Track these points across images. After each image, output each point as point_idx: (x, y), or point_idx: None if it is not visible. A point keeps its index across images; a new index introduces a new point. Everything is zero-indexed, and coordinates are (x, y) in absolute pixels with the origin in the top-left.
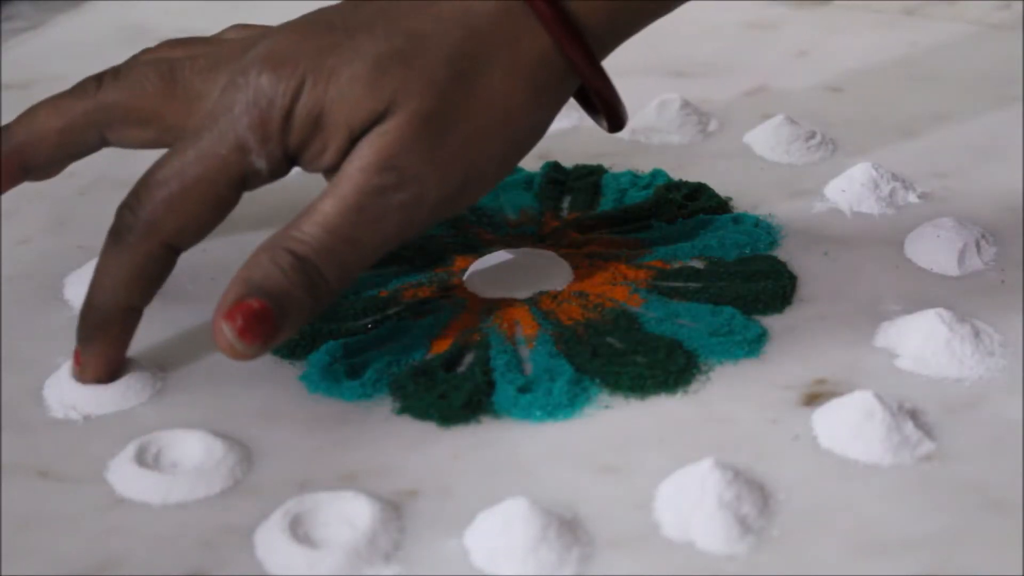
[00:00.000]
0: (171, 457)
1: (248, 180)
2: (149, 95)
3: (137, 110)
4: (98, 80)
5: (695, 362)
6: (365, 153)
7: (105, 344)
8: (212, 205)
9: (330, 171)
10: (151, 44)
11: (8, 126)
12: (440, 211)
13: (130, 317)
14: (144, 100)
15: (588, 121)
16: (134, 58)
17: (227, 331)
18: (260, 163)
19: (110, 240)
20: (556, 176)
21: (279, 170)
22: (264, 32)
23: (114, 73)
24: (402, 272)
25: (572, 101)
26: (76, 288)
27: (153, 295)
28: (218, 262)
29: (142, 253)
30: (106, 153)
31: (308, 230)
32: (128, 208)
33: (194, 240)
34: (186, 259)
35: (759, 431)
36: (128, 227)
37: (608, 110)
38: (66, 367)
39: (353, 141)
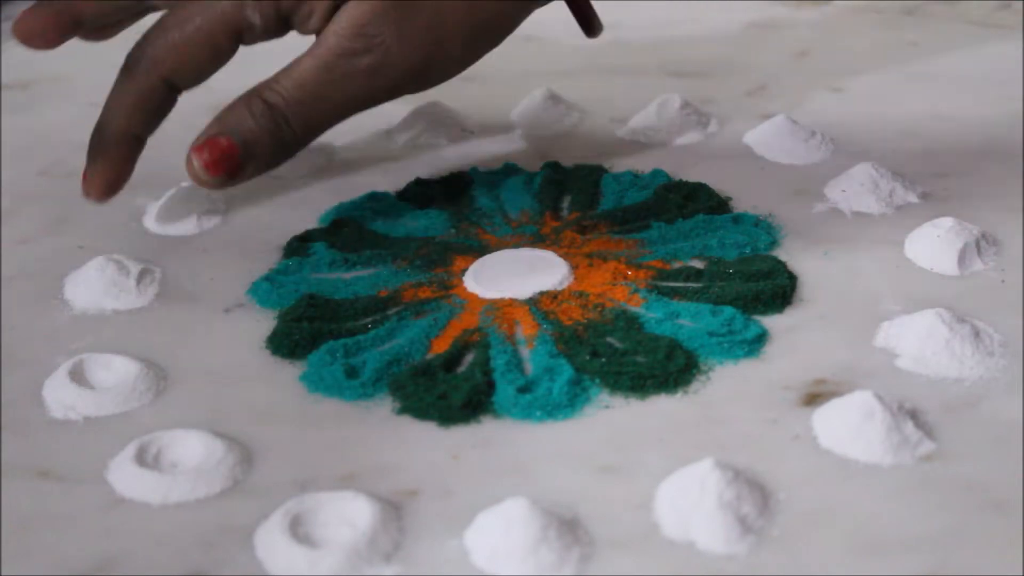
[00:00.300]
0: (171, 457)
1: (244, 34)
2: None
3: None
4: None
5: (695, 362)
6: (342, 19)
7: (107, 163)
8: (210, 51)
9: (317, 34)
10: None
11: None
12: (405, 83)
13: (132, 143)
14: None
15: (588, 121)
16: None
17: (195, 162)
18: (255, 17)
19: (120, 73)
20: (556, 176)
21: (272, 28)
22: None
23: None
24: (402, 272)
25: (573, 101)
26: (75, 288)
27: (154, 127)
28: (218, 262)
29: (145, 85)
30: None
31: (283, 83)
32: (138, 46)
33: (193, 81)
34: (186, 259)
35: (759, 431)
36: (135, 60)
37: (577, 11)
38: (65, 367)
39: (335, 9)
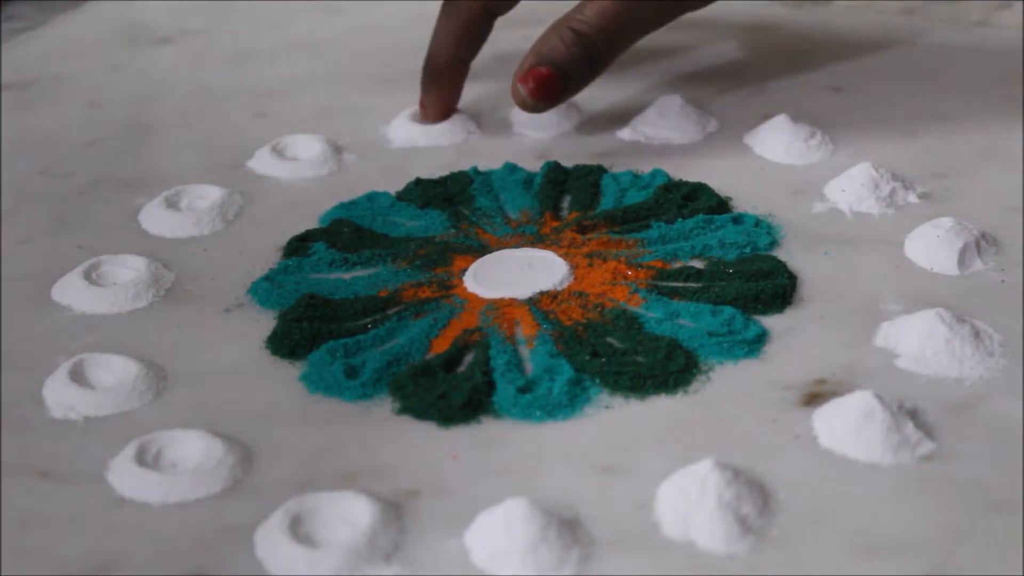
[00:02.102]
0: (171, 457)
1: None
2: None
3: None
4: None
5: (695, 362)
6: None
7: (442, 89)
8: None
9: None
10: (151, 44)
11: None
12: (691, 2)
13: (460, 68)
14: None
15: (588, 121)
16: None
17: (521, 90)
18: None
19: (444, 5)
20: (556, 176)
21: None
22: None
23: None
24: (402, 272)
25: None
26: (64, 291)
27: (477, 51)
28: (218, 262)
29: (467, 14)
30: (106, 153)
31: (586, 12)
32: None
33: (508, 6)
34: (186, 259)
35: (759, 431)
36: None
37: None
38: (65, 367)
39: None
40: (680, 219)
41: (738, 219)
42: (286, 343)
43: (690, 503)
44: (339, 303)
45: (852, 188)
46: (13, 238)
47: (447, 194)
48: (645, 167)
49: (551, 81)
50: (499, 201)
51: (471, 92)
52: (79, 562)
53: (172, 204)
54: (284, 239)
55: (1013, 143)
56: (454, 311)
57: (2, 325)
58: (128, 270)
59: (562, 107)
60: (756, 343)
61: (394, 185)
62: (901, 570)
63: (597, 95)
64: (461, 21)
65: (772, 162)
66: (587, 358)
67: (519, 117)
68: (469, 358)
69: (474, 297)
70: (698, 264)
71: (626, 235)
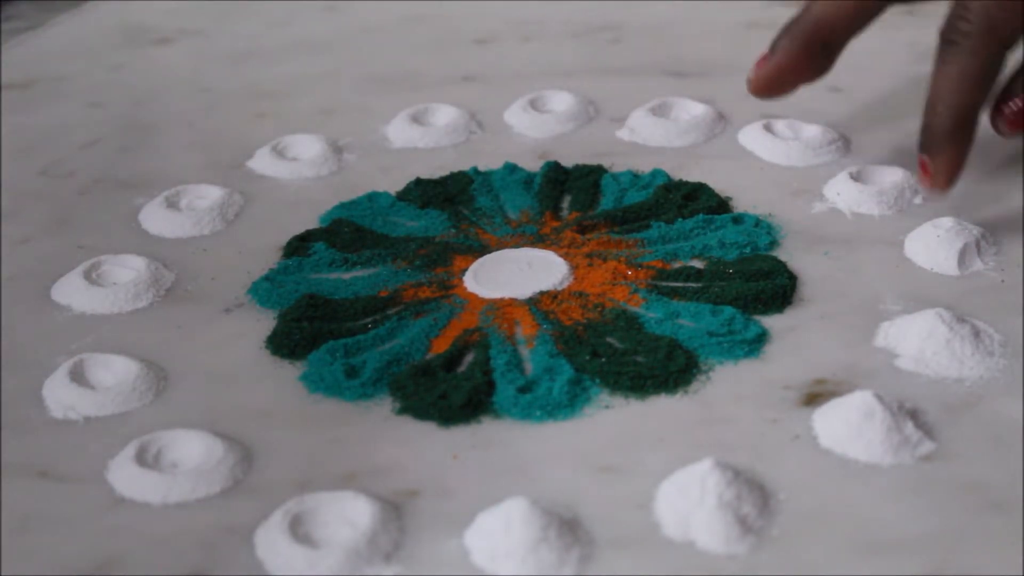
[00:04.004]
0: (171, 457)
1: None
2: None
3: None
4: None
5: (695, 362)
6: None
7: (957, 148)
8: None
9: None
10: (151, 44)
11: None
12: None
13: (976, 117)
14: None
15: (588, 121)
16: None
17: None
18: None
19: (946, 49)
20: (556, 176)
21: None
22: None
23: None
24: (402, 272)
25: (574, 101)
26: (64, 290)
27: (988, 94)
28: (218, 262)
29: (983, 55)
30: (106, 153)
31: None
32: (962, 19)
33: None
34: (186, 259)
35: (759, 431)
36: (966, 34)
37: None
38: (65, 367)
39: None
40: (680, 219)
41: (738, 219)
42: (286, 343)
43: (690, 503)
44: (339, 303)
45: (852, 188)
46: (13, 238)
47: (447, 194)
48: (645, 167)
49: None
50: (499, 201)
51: (471, 92)
52: (79, 562)
53: (172, 204)
54: (284, 239)
55: (1013, 143)
56: (454, 311)
57: (2, 325)
58: (128, 270)
59: (563, 107)
60: (756, 343)
61: (394, 185)
62: (901, 570)
63: (597, 95)
64: (977, 65)
65: (772, 162)
66: (587, 358)
67: (519, 117)
68: (469, 358)
69: (474, 297)
70: (698, 264)
71: (626, 235)
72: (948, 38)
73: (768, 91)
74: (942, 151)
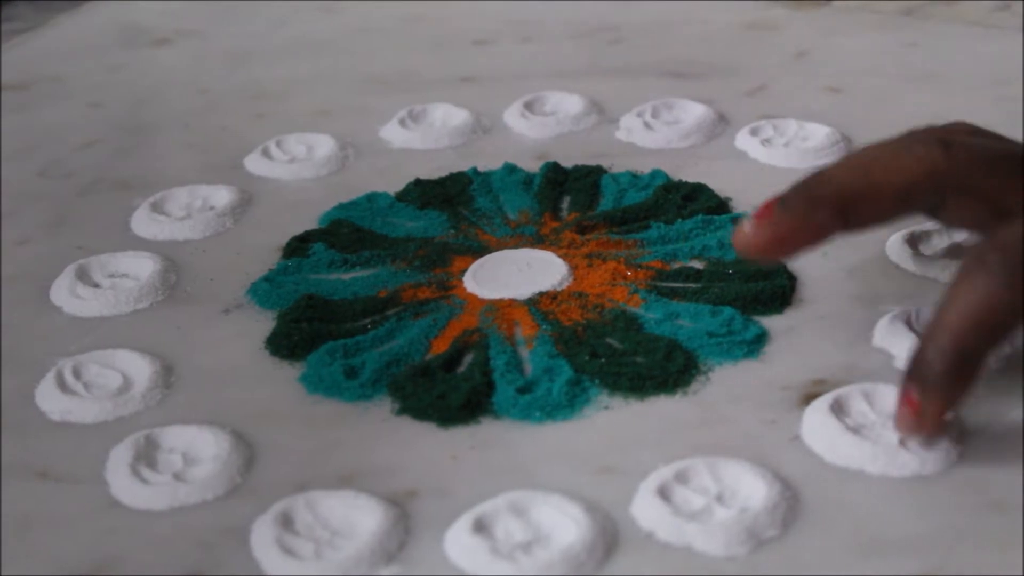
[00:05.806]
0: (171, 457)
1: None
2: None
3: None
4: (944, 146)
5: (695, 362)
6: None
7: (959, 391)
8: None
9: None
10: (150, 45)
11: (829, 169)
12: None
13: (988, 356)
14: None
15: (588, 121)
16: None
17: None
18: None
19: (975, 268)
20: (556, 176)
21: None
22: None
23: (946, 143)
24: (401, 273)
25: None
26: (62, 291)
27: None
28: (218, 262)
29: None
30: (105, 154)
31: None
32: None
33: None
34: (186, 259)
35: (758, 431)
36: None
37: None
38: (65, 367)
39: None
40: (680, 219)
41: (738, 219)
42: (286, 344)
43: (689, 504)
44: (338, 304)
45: None
46: (12, 238)
47: (446, 195)
48: (645, 167)
49: None
50: (498, 202)
51: (470, 93)
52: (78, 562)
53: (171, 204)
54: (284, 239)
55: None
56: (453, 312)
57: (2, 325)
58: (128, 270)
59: (563, 108)
60: (755, 343)
61: (393, 186)
62: (901, 570)
63: (597, 95)
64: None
65: (772, 163)
66: (586, 358)
67: (519, 118)
68: (468, 359)
69: (473, 298)
70: (697, 264)
71: (625, 235)
72: (981, 258)
73: (767, 252)
74: (939, 392)
